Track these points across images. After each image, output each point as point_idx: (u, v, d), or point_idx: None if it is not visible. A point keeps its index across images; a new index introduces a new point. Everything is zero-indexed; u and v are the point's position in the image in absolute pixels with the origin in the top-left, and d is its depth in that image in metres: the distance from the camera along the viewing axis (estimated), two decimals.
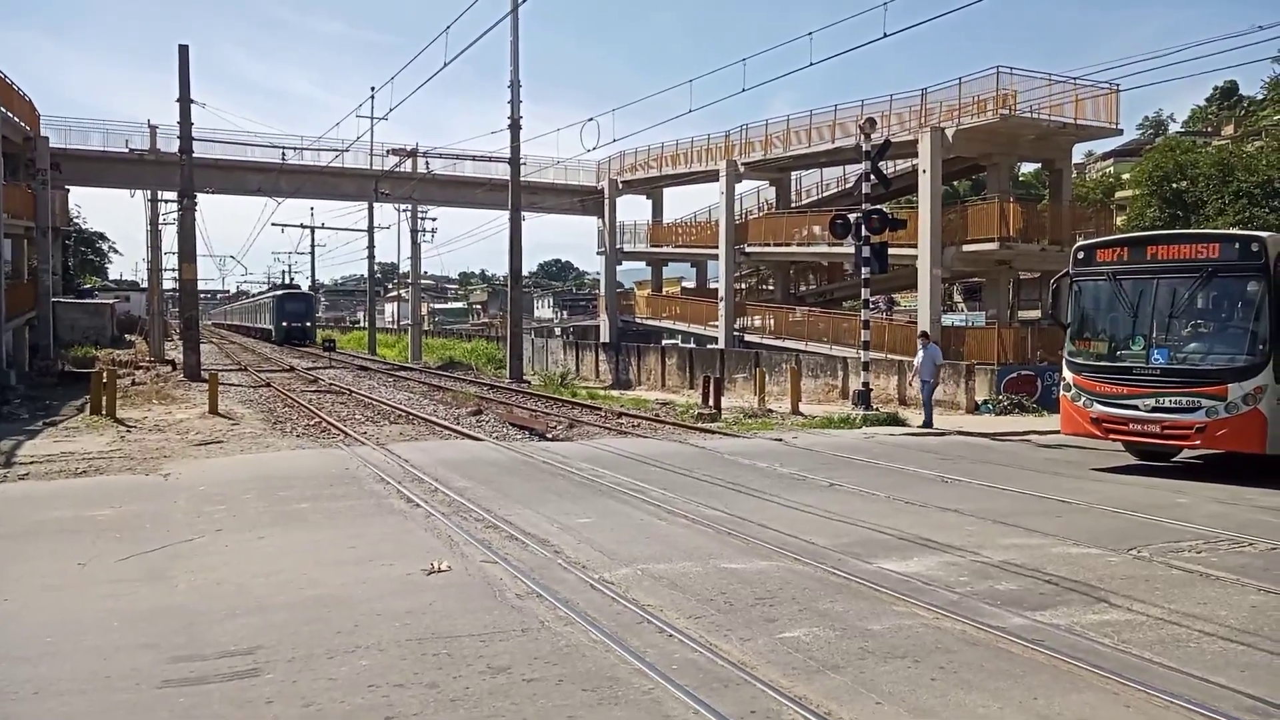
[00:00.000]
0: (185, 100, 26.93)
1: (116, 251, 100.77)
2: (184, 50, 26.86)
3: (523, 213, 31.76)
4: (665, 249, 41.77)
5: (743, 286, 41.03)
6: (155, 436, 15.26)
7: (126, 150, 37.08)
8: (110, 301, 56.89)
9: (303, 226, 63.80)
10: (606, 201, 41.64)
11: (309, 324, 60.07)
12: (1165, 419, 12.21)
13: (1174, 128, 75.92)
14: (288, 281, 75.80)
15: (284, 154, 37.92)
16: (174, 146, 29.28)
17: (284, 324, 58.02)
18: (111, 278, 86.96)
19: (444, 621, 5.72)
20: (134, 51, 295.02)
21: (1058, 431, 14.70)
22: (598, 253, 43.75)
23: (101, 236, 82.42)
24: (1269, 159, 27.62)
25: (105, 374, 18.90)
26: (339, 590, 6.44)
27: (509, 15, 26.17)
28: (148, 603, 6.21)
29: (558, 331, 66.49)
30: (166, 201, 40.02)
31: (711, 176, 35.86)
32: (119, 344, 48.99)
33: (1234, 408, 11.68)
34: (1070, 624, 5.80)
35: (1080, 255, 13.59)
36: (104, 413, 17.42)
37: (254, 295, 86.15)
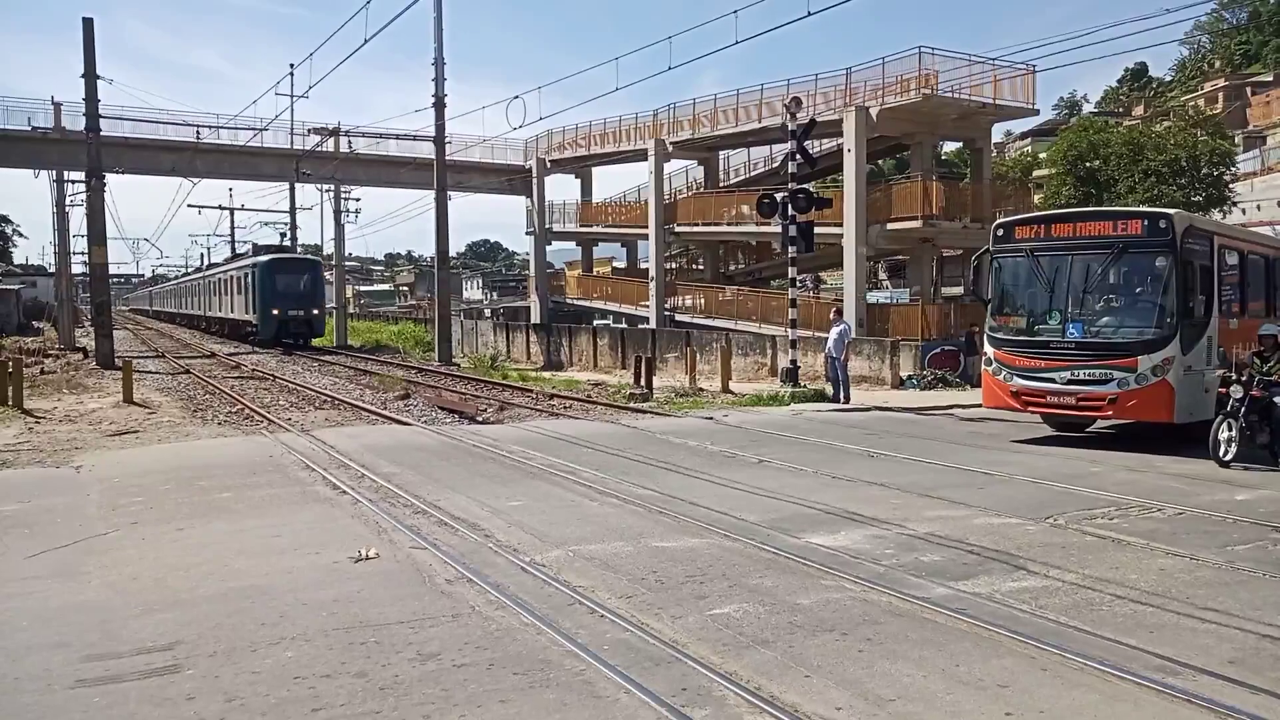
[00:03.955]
0: (91, 75, 25.80)
1: (21, 235, 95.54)
2: (88, 23, 25.73)
3: (449, 192, 31.35)
4: (595, 229, 41.64)
5: (673, 266, 41.23)
6: (66, 427, 14.68)
7: (29, 128, 35.41)
8: (15, 287, 54.65)
9: (221, 208, 60.87)
10: (534, 181, 41.30)
11: (316, 311, 38.73)
12: (1080, 391, 12.63)
13: (1087, 108, 78.48)
14: (278, 244, 45.84)
15: (199, 132, 36.69)
16: (80, 124, 28.09)
17: (275, 311, 36.97)
18: (16, 262, 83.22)
19: (372, 609, 5.63)
20: (34, 26, 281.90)
21: (980, 405, 15.09)
22: (527, 233, 43.42)
23: (4, 219, 79.04)
24: (1176, 138, 28.61)
25: (11, 362, 18.11)
26: (263, 581, 6.28)
27: None
28: (59, 600, 5.97)
29: (487, 313, 65.98)
30: (73, 182, 38.43)
31: (640, 156, 35.81)
32: (26, 331, 47.10)
33: (1144, 379, 12.13)
34: (991, 592, 5.97)
35: (1000, 232, 13.91)
36: (10, 403, 16.69)
37: (213, 267, 54.17)
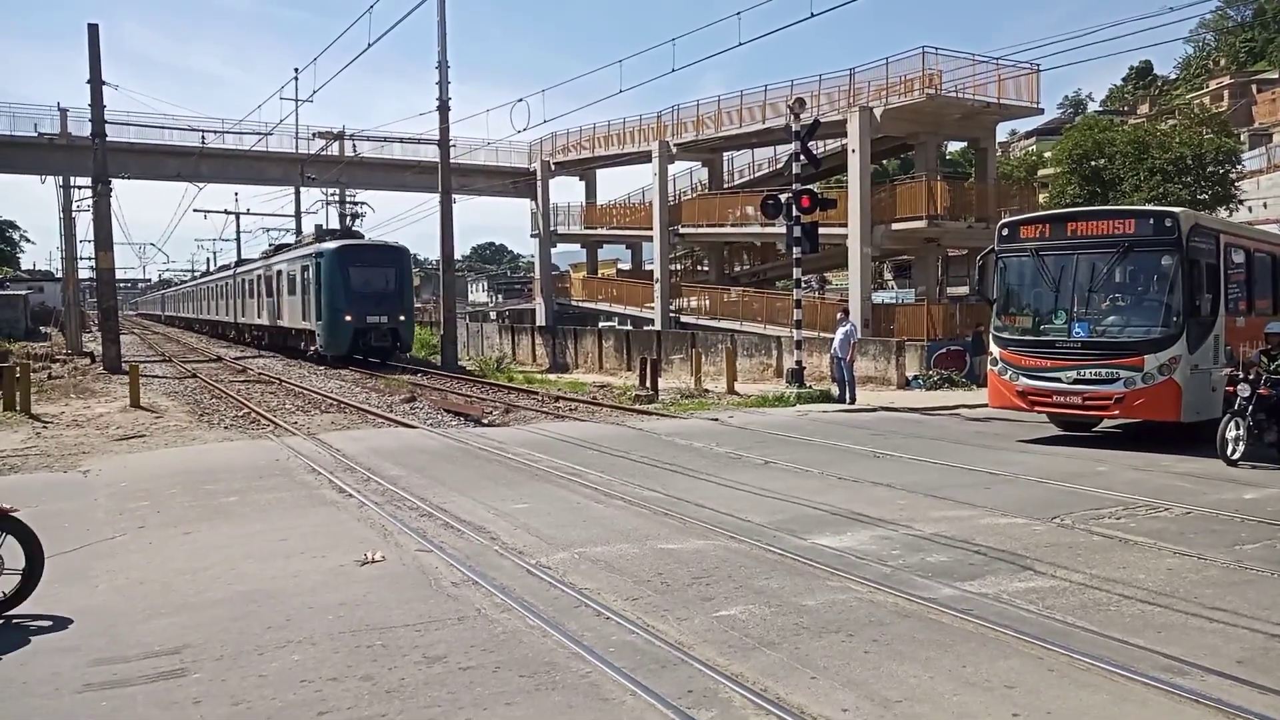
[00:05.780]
0: (97, 81, 25.88)
1: (28, 240, 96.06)
2: (94, 30, 25.80)
3: (454, 195, 31.33)
4: (600, 231, 41.65)
5: (678, 268, 41.18)
6: (73, 432, 14.72)
7: (35, 134, 35.59)
8: (23, 292, 54.82)
9: (227, 212, 60.86)
10: (539, 183, 41.33)
11: (403, 318, 28.96)
12: (1086, 390, 12.59)
13: (1092, 107, 78.29)
14: (346, 228, 33.65)
15: (204, 137, 36.80)
16: (86, 130, 28.21)
17: (348, 318, 27.54)
18: (24, 267, 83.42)
19: (378, 612, 5.64)
20: (40, 32, 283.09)
21: (986, 405, 15.06)
22: (532, 235, 43.43)
23: (12, 225, 79.37)
24: (1181, 136, 28.54)
25: (19, 367, 18.16)
26: (269, 585, 6.29)
27: None
28: (67, 604, 5.98)
29: (493, 315, 65.94)
30: (80, 187, 38.55)
31: (644, 157, 35.82)
32: (34, 336, 47.24)
33: (1150, 378, 12.08)
34: (998, 593, 5.95)
35: (1005, 232, 13.88)
36: (18, 408, 16.74)
37: (244, 262, 43.38)
